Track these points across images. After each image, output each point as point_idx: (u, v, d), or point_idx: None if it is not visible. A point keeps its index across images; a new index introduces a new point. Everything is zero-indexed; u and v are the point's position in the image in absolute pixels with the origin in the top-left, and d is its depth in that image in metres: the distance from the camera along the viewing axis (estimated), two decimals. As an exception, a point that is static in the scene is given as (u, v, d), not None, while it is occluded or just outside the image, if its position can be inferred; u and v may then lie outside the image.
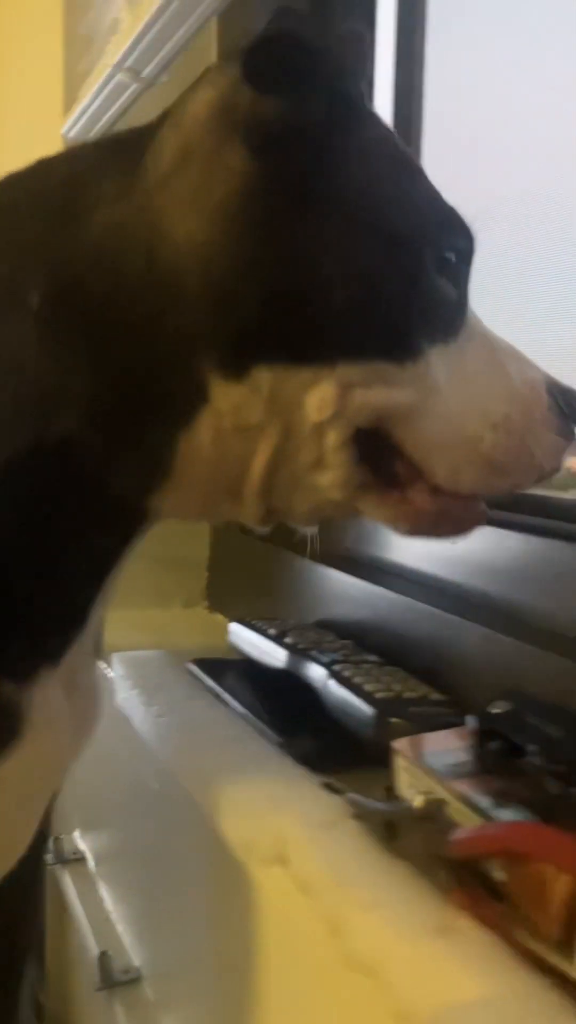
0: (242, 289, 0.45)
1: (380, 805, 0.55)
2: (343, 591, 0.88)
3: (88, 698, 0.55)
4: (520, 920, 0.46)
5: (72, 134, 1.05)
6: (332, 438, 0.46)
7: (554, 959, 0.44)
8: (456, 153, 0.97)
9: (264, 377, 0.45)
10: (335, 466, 0.47)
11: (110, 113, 0.96)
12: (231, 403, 0.45)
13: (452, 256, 0.49)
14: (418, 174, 0.50)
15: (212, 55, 1.15)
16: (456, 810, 0.53)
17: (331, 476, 0.47)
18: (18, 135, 1.25)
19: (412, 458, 0.48)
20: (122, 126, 1.01)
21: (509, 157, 0.90)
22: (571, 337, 0.79)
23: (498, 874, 0.48)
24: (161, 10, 0.75)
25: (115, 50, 0.86)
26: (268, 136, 0.45)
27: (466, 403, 0.48)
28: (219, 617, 1.18)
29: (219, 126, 0.45)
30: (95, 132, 1.02)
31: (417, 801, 0.53)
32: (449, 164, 0.96)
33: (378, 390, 0.46)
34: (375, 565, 0.89)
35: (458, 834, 0.49)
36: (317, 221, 0.46)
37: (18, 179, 0.50)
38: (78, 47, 1.08)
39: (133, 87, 0.89)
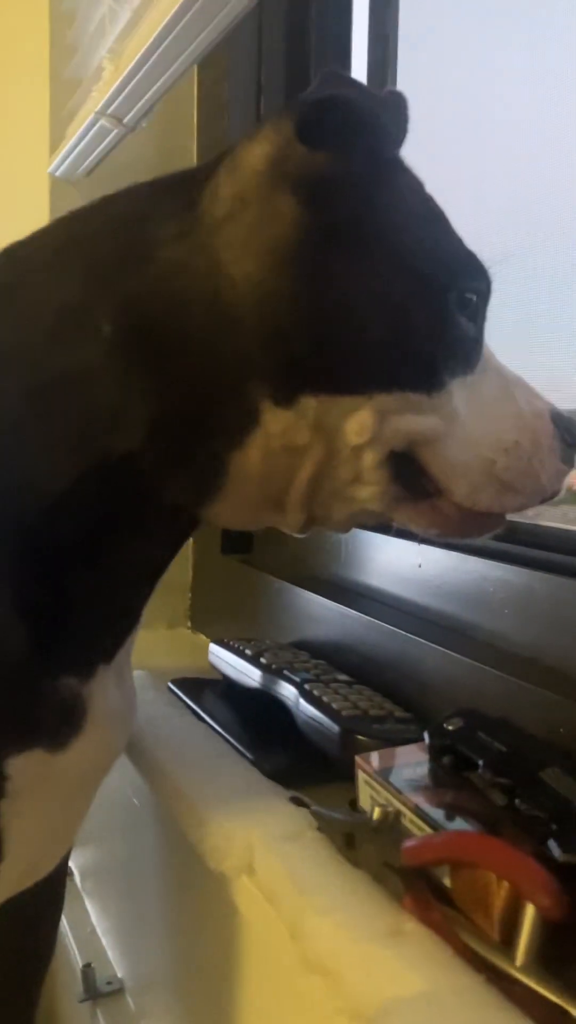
0: (293, 326, 0.50)
1: (340, 817, 0.59)
2: (317, 613, 0.92)
3: (130, 694, 0.60)
4: (465, 923, 0.50)
5: (58, 173, 1.09)
6: (370, 459, 0.52)
7: (495, 958, 0.47)
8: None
9: (310, 404, 0.50)
10: (373, 482, 0.53)
11: (94, 155, 1.01)
12: (280, 427, 0.51)
13: (473, 297, 0.54)
14: (443, 220, 0.56)
15: (192, 101, 1.20)
16: (410, 821, 0.56)
17: (370, 490, 0.53)
18: (5, 173, 1.29)
19: (436, 479, 0.53)
20: (106, 167, 1.05)
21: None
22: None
23: (446, 880, 0.52)
24: (141, 61, 0.79)
25: (99, 96, 0.91)
26: (317, 188, 0.50)
27: (482, 430, 0.53)
28: (201, 638, 1.21)
29: (273, 178, 0.50)
30: (80, 172, 1.07)
31: (375, 813, 0.57)
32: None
33: (408, 418, 0.51)
34: (348, 588, 0.93)
35: (407, 843, 0.52)
36: (359, 265, 0.51)
37: (86, 215, 0.55)
38: (64, 90, 1.12)
39: (115, 131, 0.93)
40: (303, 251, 0.50)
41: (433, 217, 0.55)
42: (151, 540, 0.55)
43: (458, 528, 0.56)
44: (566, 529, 0.73)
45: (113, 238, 0.53)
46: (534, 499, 0.55)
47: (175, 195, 0.54)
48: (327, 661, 0.86)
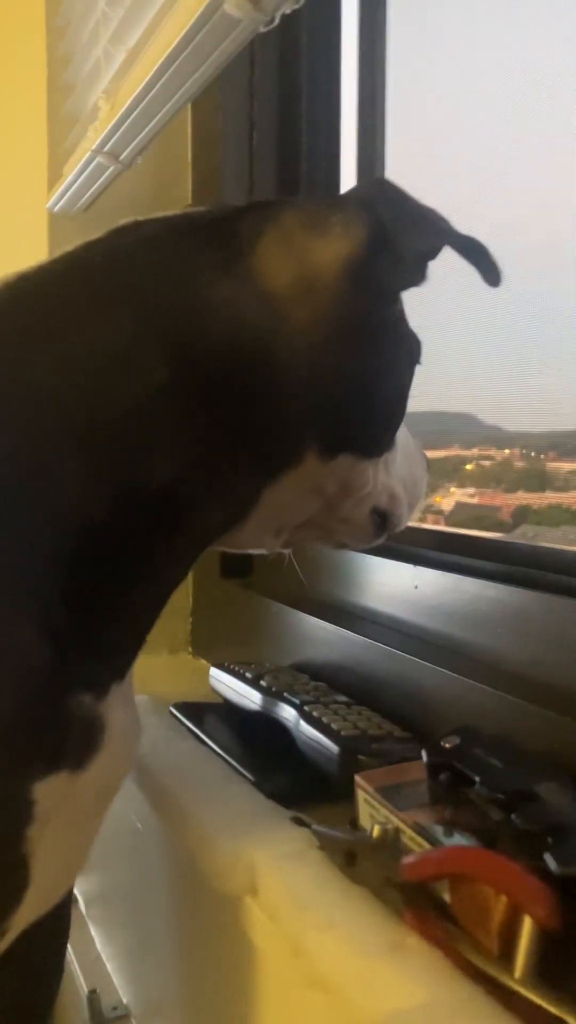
0: (348, 400, 0.58)
1: (341, 835, 0.60)
2: (316, 635, 0.93)
3: (135, 714, 0.62)
4: (465, 937, 0.51)
5: (57, 209, 1.11)
6: (363, 508, 0.64)
7: (494, 971, 0.48)
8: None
9: (347, 461, 0.59)
10: (360, 528, 0.65)
11: (91, 191, 1.03)
12: (316, 473, 0.58)
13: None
14: None
15: (186, 135, 1.22)
16: (409, 838, 0.57)
17: (351, 528, 0.65)
18: (4, 209, 1.32)
19: (392, 522, 0.67)
20: (103, 201, 1.07)
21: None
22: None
23: (446, 895, 0.53)
24: (136, 101, 0.81)
25: (94, 135, 0.93)
26: (389, 292, 0.59)
27: (405, 470, 0.66)
28: (202, 662, 1.22)
29: (348, 277, 0.56)
30: (78, 208, 1.09)
31: (374, 831, 0.57)
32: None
33: (386, 477, 0.63)
34: (346, 610, 0.94)
35: (406, 859, 0.53)
36: (389, 350, 0.60)
37: (122, 255, 0.57)
38: (61, 127, 1.15)
39: (112, 168, 0.95)
40: (364, 339, 0.58)
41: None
42: (175, 563, 0.58)
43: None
44: (558, 549, 0.74)
45: (157, 289, 0.55)
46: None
47: (210, 249, 0.56)
48: (326, 683, 0.87)
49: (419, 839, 0.56)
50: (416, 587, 0.83)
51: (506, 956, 0.48)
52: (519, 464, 0.96)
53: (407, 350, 0.63)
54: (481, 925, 0.50)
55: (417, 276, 0.59)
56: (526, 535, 0.92)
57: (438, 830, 0.56)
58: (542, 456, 0.93)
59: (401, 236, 0.56)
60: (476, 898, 0.51)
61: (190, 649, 1.27)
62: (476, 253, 0.57)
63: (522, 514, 0.95)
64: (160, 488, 0.53)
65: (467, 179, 0.96)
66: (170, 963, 0.82)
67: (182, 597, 1.26)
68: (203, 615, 1.25)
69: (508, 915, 0.49)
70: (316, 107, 1.13)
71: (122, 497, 0.53)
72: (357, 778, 0.64)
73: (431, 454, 1.08)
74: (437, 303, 0.90)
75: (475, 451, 1.03)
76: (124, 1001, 0.91)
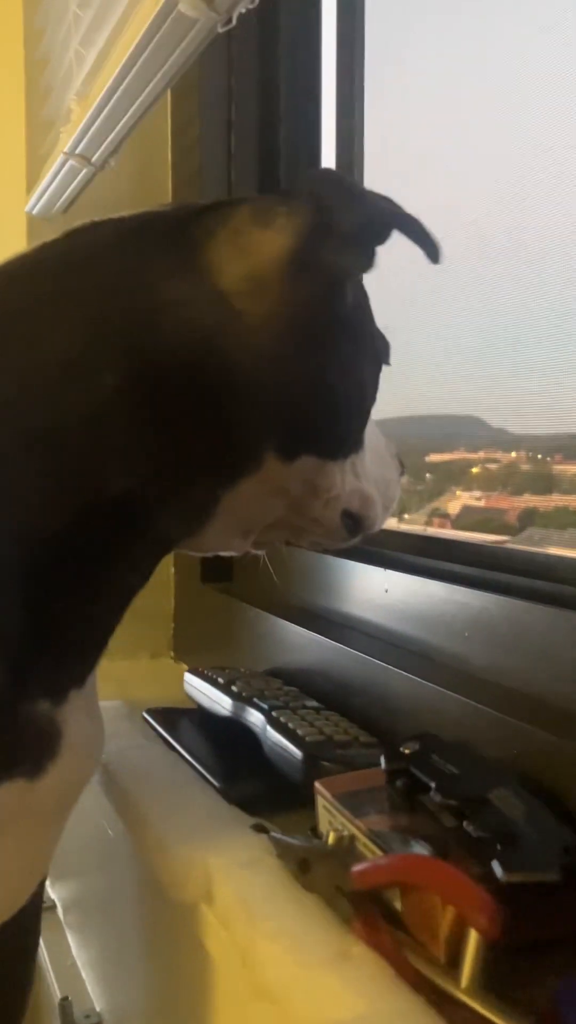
0: (306, 399, 0.56)
1: (297, 842, 0.59)
2: (290, 640, 0.92)
3: (99, 721, 0.61)
4: (414, 945, 0.50)
5: (35, 211, 1.11)
6: (332, 510, 0.61)
7: (441, 980, 0.47)
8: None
9: (308, 463, 0.57)
10: (331, 527, 0.63)
11: (67, 194, 1.03)
12: (277, 476, 0.56)
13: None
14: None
15: (166, 138, 1.22)
16: (364, 845, 0.56)
17: (323, 530, 0.63)
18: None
19: (366, 524, 0.64)
20: (83, 203, 1.07)
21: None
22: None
23: (397, 904, 0.52)
24: (103, 102, 0.81)
25: (66, 137, 0.92)
26: (338, 280, 0.56)
27: (376, 472, 0.65)
28: (184, 667, 1.21)
29: (294, 268, 0.54)
30: (55, 210, 1.09)
31: (330, 837, 0.57)
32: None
33: (355, 479, 0.62)
34: (320, 615, 0.93)
35: (357, 867, 0.52)
36: (348, 349, 0.58)
37: (68, 261, 0.55)
38: (39, 131, 1.14)
39: (85, 171, 0.95)
40: (319, 334, 0.56)
41: (367, 300, 0.63)
42: (133, 569, 0.56)
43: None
44: (522, 551, 0.73)
45: (109, 293, 0.54)
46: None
47: (164, 251, 0.55)
48: (299, 688, 0.86)
49: (373, 846, 0.56)
50: (387, 591, 0.82)
51: (453, 965, 0.47)
52: (525, 467, 0.95)
53: (370, 349, 0.61)
54: (429, 933, 0.50)
55: (364, 261, 0.58)
56: (532, 538, 0.91)
57: (393, 837, 0.56)
58: (548, 459, 0.93)
59: (343, 217, 0.55)
60: (424, 906, 0.50)
61: (172, 654, 1.26)
62: (416, 231, 0.57)
63: (529, 517, 0.94)
64: (116, 497, 0.52)
65: (450, 180, 0.95)
66: (138, 971, 0.81)
67: (164, 602, 1.26)
68: (185, 620, 1.25)
69: (455, 924, 0.48)
70: (295, 108, 1.13)
71: (78, 507, 0.52)
72: (317, 784, 0.63)
73: (437, 457, 1.07)
74: (443, 308, 0.89)
75: (481, 454, 1.03)
76: (97, 1009, 0.90)
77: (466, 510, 1.07)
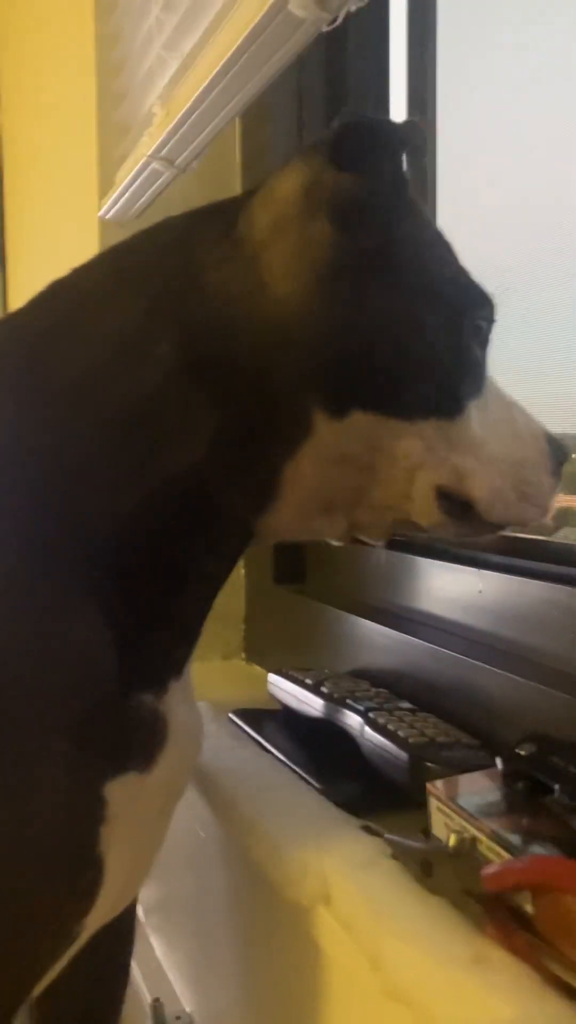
0: (337, 342, 0.53)
1: (416, 844, 0.59)
2: (375, 641, 0.92)
3: (196, 710, 0.62)
4: (549, 950, 0.49)
5: (110, 216, 1.12)
6: (420, 485, 0.56)
7: (582, 986, 0.47)
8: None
9: (362, 420, 0.54)
10: (426, 509, 0.57)
11: (145, 197, 1.03)
12: (332, 437, 0.54)
13: (483, 324, 0.58)
14: (454, 252, 0.59)
15: (235, 142, 1.22)
16: (487, 847, 0.56)
17: (419, 507, 0.57)
18: (57, 217, 1.33)
19: (479, 507, 0.58)
20: (155, 209, 1.07)
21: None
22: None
23: (528, 907, 0.51)
24: (193, 106, 0.81)
25: (150, 141, 0.93)
26: (349, 212, 0.53)
27: (502, 450, 0.58)
28: (256, 668, 1.21)
29: (308, 205, 0.54)
30: (131, 214, 1.09)
31: (450, 840, 0.56)
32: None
33: (448, 450, 0.56)
34: (404, 615, 0.93)
35: (488, 869, 0.52)
36: (391, 288, 0.54)
37: (129, 248, 0.58)
38: (112, 135, 1.15)
39: (167, 173, 0.95)
40: (340, 273, 0.53)
41: (447, 249, 0.59)
42: (214, 553, 0.57)
43: (479, 535, 0.61)
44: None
45: (161, 267, 0.56)
46: (541, 512, 0.60)
47: (212, 224, 0.57)
48: (388, 689, 0.86)
49: (497, 848, 0.55)
50: (480, 591, 0.82)
51: (594, 970, 0.47)
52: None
53: (430, 294, 0.56)
54: (567, 937, 0.49)
55: (375, 183, 0.54)
56: (568, 538, 0.90)
57: (516, 839, 0.55)
58: None
59: (353, 147, 0.53)
60: (560, 910, 0.49)
61: (243, 655, 1.26)
62: (416, 136, 0.57)
63: (563, 517, 0.93)
64: (183, 473, 0.53)
65: (519, 179, 0.95)
66: (235, 972, 0.81)
67: (235, 603, 1.26)
68: (256, 621, 1.25)
69: (596, 928, 0.47)
70: (365, 109, 1.12)
71: (150, 486, 0.53)
72: (429, 786, 0.63)
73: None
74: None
75: None
76: (187, 1010, 0.90)
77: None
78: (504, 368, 0.62)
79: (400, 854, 0.59)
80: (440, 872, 0.56)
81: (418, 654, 0.84)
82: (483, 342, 0.59)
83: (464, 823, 0.58)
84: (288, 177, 0.55)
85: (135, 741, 0.54)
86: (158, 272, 0.56)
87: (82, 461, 0.53)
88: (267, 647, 1.22)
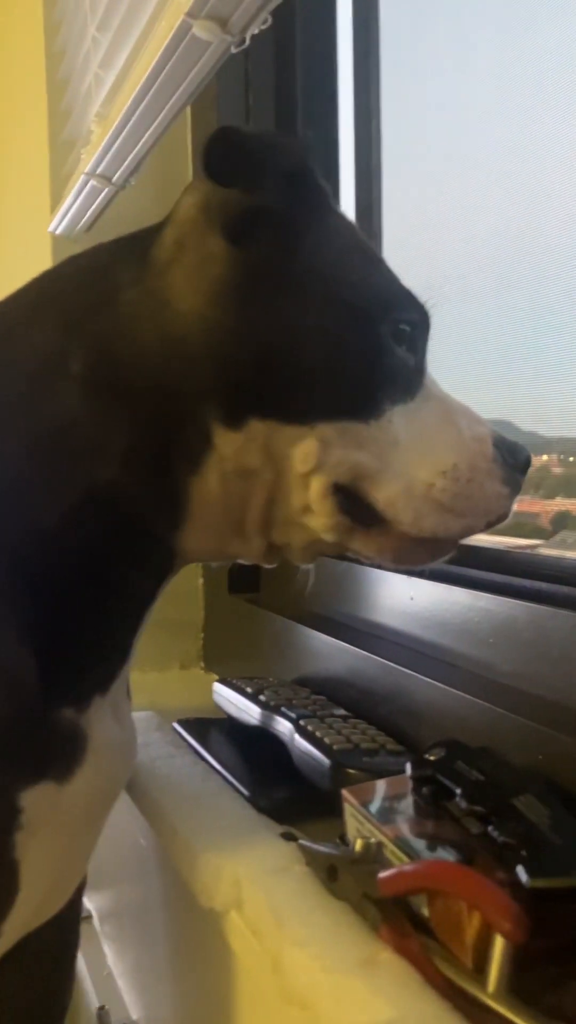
0: (234, 352, 0.54)
1: (324, 849, 0.59)
2: (318, 649, 0.93)
3: (129, 728, 0.63)
4: (441, 951, 0.50)
5: (58, 231, 1.13)
6: (316, 488, 0.55)
7: (468, 986, 0.48)
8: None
9: (258, 428, 0.54)
10: (322, 513, 0.56)
11: (89, 213, 1.04)
12: (231, 449, 0.54)
13: (407, 328, 0.57)
14: (375, 260, 0.60)
15: (187, 156, 1.23)
16: (391, 852, 0.57)
17: (321, 520, 0.56)
18: (10, 232, 1.34)
19: (380, 509, 0.56)
20: (106, 222, 1.09)
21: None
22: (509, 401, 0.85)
23: (424, 910, 0.52)
24: (122, 124, 0.82)
25: (88, 158, 0.94)
26: (239, 224, 0.54)
27: (420, 454, 0.56)
28: (214, 677, 1.22)
29: (204, 221, 0.55)
30: (77, 230, 1.10)
31: (357, 845, 0.57)
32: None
33: (350, 450, 0.54)
34: (347, 623, 0.94)
35: (383, 874, 0.53)
36: (287, 296, 0.55)
37: (57, 271, 0.61)
38: (62, 151, 1.16)
39: (106, 190, 0.97)
40: (236, 285, 0.54)
41: (362, 254, 0.59)
42: (137, 571, 0.58)
43: (410, 555, 0.59)
44: (546, 557, 0.73)
45: (79, 289, 0.58)
46: (478, 522, 0.57)
47: (133, 247, 0.59)
48: (327, 696, 0.87)
49: (400, 853, 0.56)
50: (412, 598, 0.83)
51: (480, 970, 0.48)
52: (557, 470, 0.95)
53: (329, 299, 0.55)
54: (456, 939, 0.50)
55: (278, 201, 0.55)
56: (566, 541, 0.91)
57: (420, 844, 0.56)
58: None
59: (220, 162, 0.53)
60: (451, 912, 0.50)
61: (202, 664, 1.27)
62: (293, 148, 0.57)
63: (561, 520, 0.94)
64: (101, 489, 0.54)
65: (468, 185, 0.96)
66: (173, 979, 0.82)
67: (194, 613, 1.27)
68: (214, 631, 1.26)
69: (481, 929, 0.48)
70: (312, 122, 1.14)
71: (71, 503, 0.54)
72: (344, 792, 0.64)
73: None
74: (471, 311, 0.89)
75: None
76: (133, 1017, 0.91)
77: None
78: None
79: (310, 860, 0.60)
80: (344, 877, 0.56)
81: (355, 661, 0.85)
82: (412, 345, 0.58)
83: (371, 828, 0.59)
84: (187, 197, 0.57)
85: (53, 753, 0.55)
86: (77, 294, 0.58)
87: (3, 478, 0.55)
88: (224, 656, 1.23)
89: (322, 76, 1.14)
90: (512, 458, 0.58)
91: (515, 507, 0.59)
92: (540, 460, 0.97)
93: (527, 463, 0.59)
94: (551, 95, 0.82)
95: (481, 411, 0.61)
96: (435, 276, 0.93)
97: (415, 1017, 0.45)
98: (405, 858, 0.55)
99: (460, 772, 0.58)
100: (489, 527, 0.58)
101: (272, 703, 0.84)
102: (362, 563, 0.91)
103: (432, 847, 0.56)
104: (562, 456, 0.94)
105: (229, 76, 1.13)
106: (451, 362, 0.93)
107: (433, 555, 0.59)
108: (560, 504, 0.94)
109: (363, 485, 0.55)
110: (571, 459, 0.93)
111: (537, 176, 0.85)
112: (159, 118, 0.79)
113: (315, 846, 0.60)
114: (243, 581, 1.18)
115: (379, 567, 0.90)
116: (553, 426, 0.89)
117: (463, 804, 0.55)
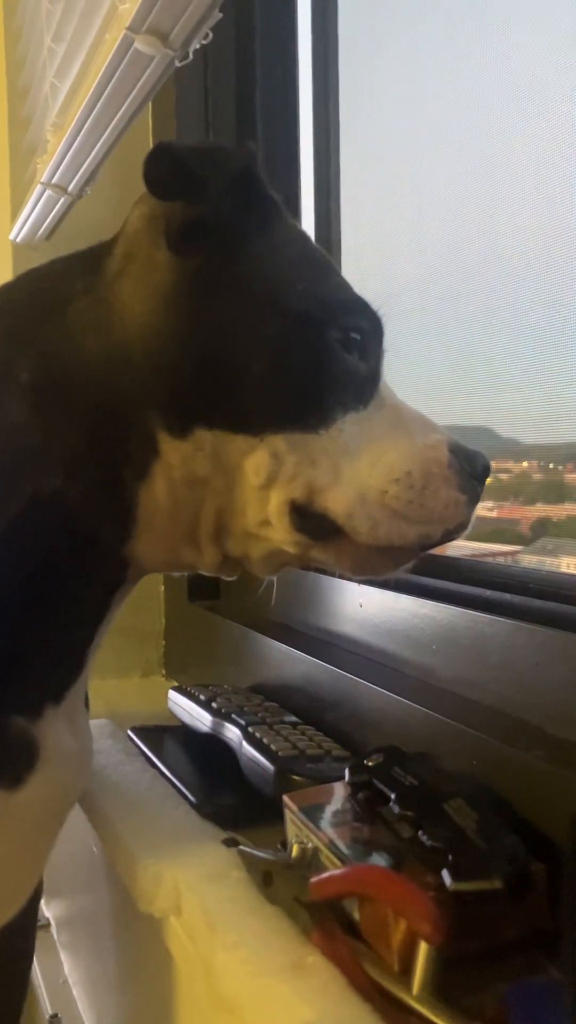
0: (177, 360, 0.54)
1: (261, 855, 0.60)
2: (272, 656, 0.93)
3: (85, 737, 0.63)
4: (370, 954, 0.51)
5: (18, 239, 1.13)
6: (273, 504, 0.55)
7: (394, 988, 0.48)
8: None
9: (206, 438, 0.54)
10: (281, 528, 0.55)
11: (47, 222, 1.05)
12: (178, 457, 0.54)
13: (357, 336, 0.56)
14: (325, 268, 0.60)
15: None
16: (326, 857, 0.57)
17: (279, 534, 0.56)
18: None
19: (336, 521, 0.55)
20: (67, 230, 1.09)
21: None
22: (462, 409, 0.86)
23: (355, 913, 0.53)
24: (74, 134, 0.83)
25: (43, 168, 0.95)
26: (181, 235, 0.55)
27: (372, 462, 0.55)
28: (175, 684, 1.22)
29: (151, 232, 0.56)
30: (37, 238, 1.11)
31: (293, 850, 0.58)
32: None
33: (303, 464, 0.54)
34: (299, 630, 0.94)
35: (314, 879, 0.53)
36: (229, 303, 0.55)
37: (13, 284, 0.62)
38: (23, 160, 1.17)
39: (63, 200, 0.97)
40: (180, 294, 0.55)
41: (310, 263, 0.59)
42: (87, 580, 0.58)
43: (370, 565, 0.58)
44: (483, 563, 0.74)
45: (32, 298, 0.59)
46: (435, 530, 0.56)
47: (87, 258, 0.60)
48: (279, 703, 0.87)
49: (334, 858, 0.56)
50: (361, 605, 0.83)
51: (406, 972, 0.48)
52: (537, 476, 0.95)
53: (289, 311, 0.55)
54: (383, 942, 0.50)
55: (219, 211, 0.55)
56: (546, 547, 0.91)
57: (354, 849, 0.57)
58: (560, 468, 0.93)
59: (159, 176, 0.54)
60: (379, 916, 0.51)
61: (163, 672, 1.27)
62: (233, 160, 0.57)
63: (541, 527, 0.94)
64: (47, 497, 0.55)
65: (427, 189, 0.97)
66: (124, 987, 0.82)
67: (155, 620, 1.27)
68: (175, 638, 1.26)
69: (407, 932, 0.49)
70: (272, 127, 1.15)
71: (18, 511, 0.55)
72: (285, 798, 0.64)
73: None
74: (454, 318, 0.90)
75: (492, 464, 1.03)
76: (86, 1025, 0.91)
77: (478, 521, 1.07)
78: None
79: (248, 865, 0.61)
80: (278, 882, 0.57)
81: (307, 668, 0.86)
82: (364, 353, 0.57)
83: (308, 833, 0.60)
84: (135, 209, 0.58)
85: (0, 760, 0.55)
86: (28, 305, 0.59)
87: None
88: (186, 664, 1.23)
89: (282, 87, 1.15)
90: (469, 466, 0.57)
91: (475, 516, 0.58)
92: (520, 467, 0.98)
93: (485, 471, 0.58)
94: (501, 113, 0.83)
95: (463, 419, 0.59)
96: (421, 282, 0.93)
97: (336, 1020, 0.45)
98: (339, 863, 0.56)
99: (396, 778, 0.59)
100: (449, 536, 0.57)
101: (223, 710, 0.84)
102: (322, 572, 0.92)
103: (366, 852, 0.56)
104: (541, 463, 0.94)
105: (189, 86, 1.14)
106: (432, 368, 0.94)
107: (393, 564, 0.59)
108: (540, 511, 0.95)
109: (318, 500, 0.55)
110: (550, 466, 0.94)
111: (489, 190, 0.86)
112: (109, 129, 0.79)
113: (253, 851, 0.61)
114: (203, 589, 1.18)
115: (340, 576, 0.91)
116: (532, 433, 0.89)
117: (396, 809, 0.56)
